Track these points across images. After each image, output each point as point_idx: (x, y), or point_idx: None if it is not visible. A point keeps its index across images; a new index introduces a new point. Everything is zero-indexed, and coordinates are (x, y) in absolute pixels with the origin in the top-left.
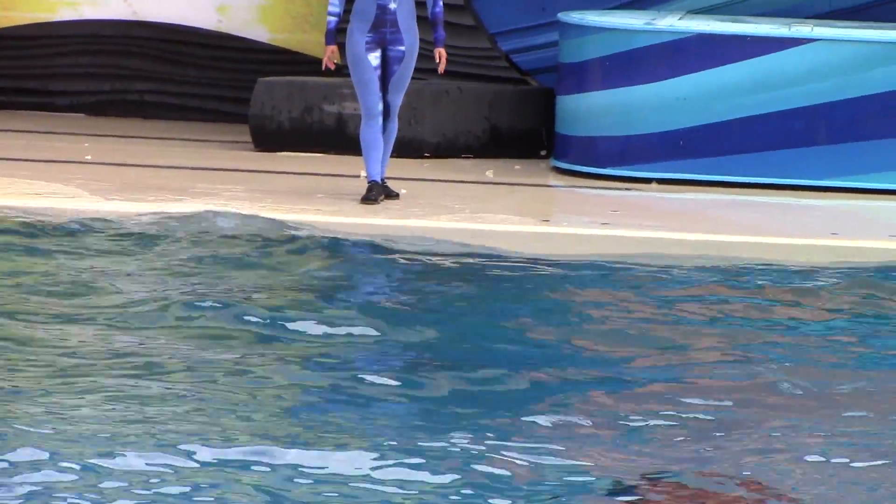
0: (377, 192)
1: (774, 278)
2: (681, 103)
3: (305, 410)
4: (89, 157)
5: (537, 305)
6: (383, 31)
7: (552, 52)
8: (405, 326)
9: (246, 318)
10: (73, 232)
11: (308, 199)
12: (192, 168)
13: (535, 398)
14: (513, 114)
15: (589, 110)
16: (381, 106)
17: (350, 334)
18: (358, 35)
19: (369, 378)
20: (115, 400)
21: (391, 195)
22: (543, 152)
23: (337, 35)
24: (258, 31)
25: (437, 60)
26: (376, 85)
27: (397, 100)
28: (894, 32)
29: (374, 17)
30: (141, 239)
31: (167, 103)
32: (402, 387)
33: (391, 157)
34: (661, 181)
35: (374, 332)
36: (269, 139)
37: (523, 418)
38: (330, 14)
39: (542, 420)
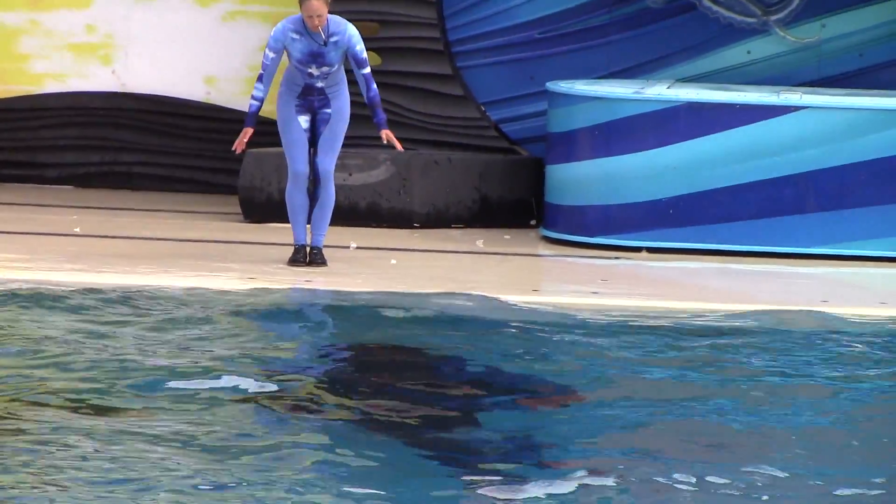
0: (302, 255)
1: (764, 344)
2: (670, 172)
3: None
4: (78, 230)
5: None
6: (311, 99)
7: (541, 121)
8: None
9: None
10: (65, 303)
11: (297, 271)
12: (182, 240)
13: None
14: (503, 183)
15: (578, 179)
16: (307, 169)
17: (347, 390)
18: (287, 97)
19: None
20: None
21: (317, 262)
22: (533, 221)
23: (255, 119)
24: (246, 103)
25: (386, 142)
26: (304, 147)
27: (328, 163)
28: (882, 100)
29: (301, 87)
30: (130, 309)
31: (156, 175)
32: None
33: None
34: (651, 249)
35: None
36: (259, 210)
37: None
38: (253, 98)
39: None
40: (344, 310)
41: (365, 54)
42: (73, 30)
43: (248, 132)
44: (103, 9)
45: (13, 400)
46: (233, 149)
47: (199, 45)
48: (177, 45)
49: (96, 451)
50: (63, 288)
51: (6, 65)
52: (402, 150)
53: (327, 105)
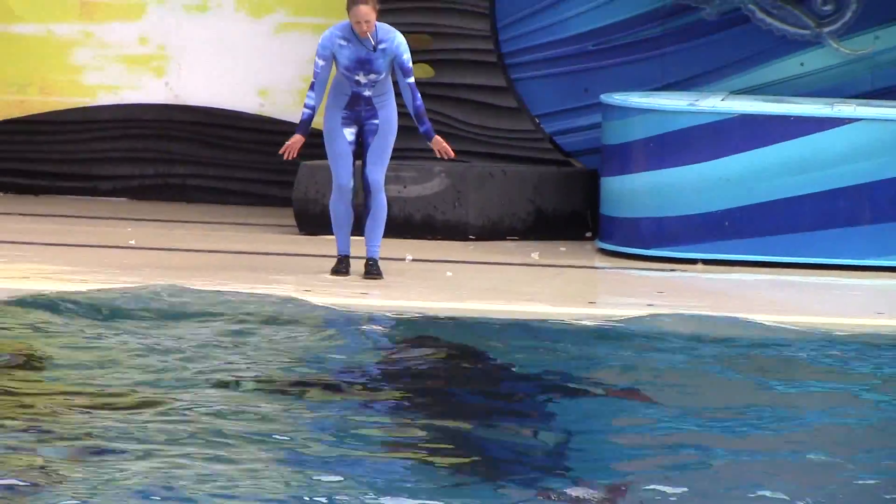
0: (344, 266)
1: (818, 356)
2: (724, 184)
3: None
4: (133, 242)
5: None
6: (358, 110)
7: (595, 133)
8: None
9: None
10: (122, 314)
11: (352, 282)
12: (237, 252)
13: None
14: (557, 196)
15: (633, 191)
16: (352, 181)
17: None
18: (334, 110)
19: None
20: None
21: (373, 273)
22: (588, 234)
23: (309, 127)
24: (299, 114)
25: (439, 154)
26: (349, 160)
27: (377, 174)
28: None
29: (349, 96)
30: (182, 319)
31: (210, 187)
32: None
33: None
34: (706, 261)
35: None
36: (313, 222)
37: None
38: (305, 106)
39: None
40: (400, 321)
41: (411, 63)
42: (126, 41)
43: (298, 140)
44: (156, 20)
45: (90, 408)
46: (280, 152)
47: (252, 57)
48: (230, 56)
49: (184, 453)
50: (117, 299)
51: (59, 77)
52: (455, 156)
53: (374, 116)
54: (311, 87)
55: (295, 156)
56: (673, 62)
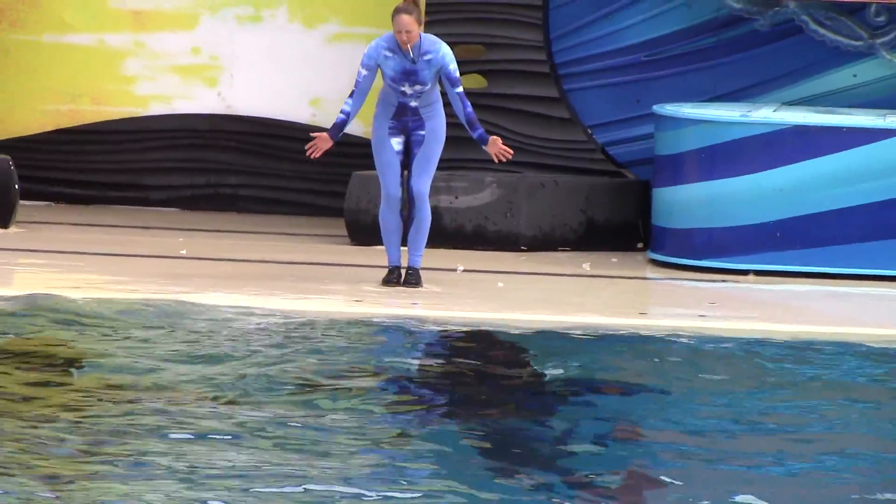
0: (395, 276)
1: (871, 369)
2: (776, 195)
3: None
4: (184, 252)
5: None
6: (405, 120)
7: (647, 144)
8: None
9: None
10: (173, 324)
11: (403, 293)
12: (287, 262)
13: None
14: (609, 206)
15: (685, 202)
16: (400, 191)
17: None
18: (381, 120)
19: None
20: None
21: (412, 283)
22: (640, 245)
23: (340, 133)
24: (352, 125)
25: (496, 159)
26: (397, 169)
27: (421, 185)
28: None
29: (395, 107)
30: (233, 331)
31: (261, 197)
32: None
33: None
34: (758, 273)
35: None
36: (365, 232)
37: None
38: (341, 112)
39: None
40: (450, 333)
41: (458, 73)
42: (178, 51)
43: (325, 139)
44: (208, 30)
45: (155, 413)
46: (306, 148)
47: (304, 67)
48: (282, 66)
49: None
50: (167, 309)
51: (111, 87)
52: (513, 154)
53: (421, 126)
54: (351, 95)
55: (319, 155)
56: (725, 73)
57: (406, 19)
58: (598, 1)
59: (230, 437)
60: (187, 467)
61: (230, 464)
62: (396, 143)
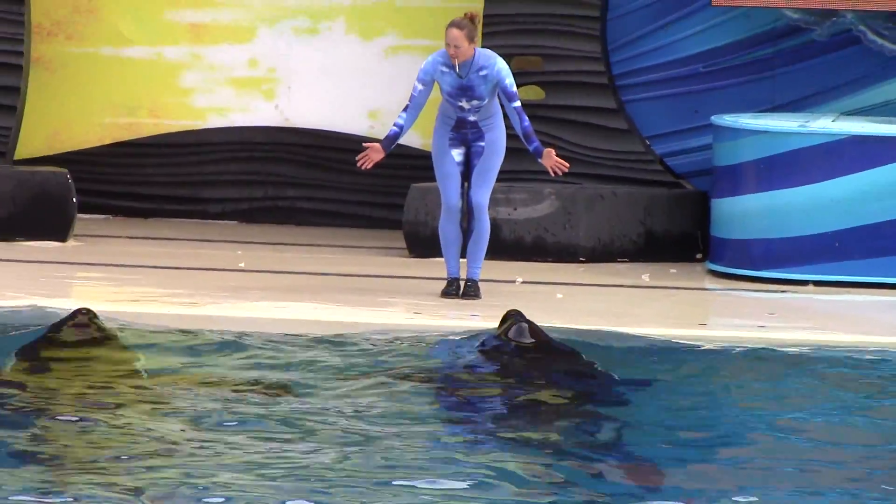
0: (454, 288)
1: None
2: (835, 205)
3: None
4: (242, 265)
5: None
6: (465, 132)
7: (706, 155)
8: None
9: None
10: (233, 338)
11: (463, 305)
12: (345, 274)
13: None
14: (668, 217)
15: (743, 213)
16: (460, 202)
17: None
18: (442, 131)
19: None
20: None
21: (471, 294)
22: (699, 255)
23: (392, 145)
24: (410, 137)
25: (552, 172)
26: (457, 180)
27: (480, 196)
28: None
29: (454, 120)
30: (291, 343)
31: (319, 210)
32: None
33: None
34: (817, 283)
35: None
36: (423, 245)
37: None
38: (394, 124)
39: None
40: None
41: (515, 87)
42: (235, 64)
43: (377, 150)
44: (266, 43)
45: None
46: (357, 159)
47: (362, 80)
48: (340, 79)
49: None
50: (224, 322)
51: (169, 99)
52: (569, 167)
53: (481, 138)
54: (405, 109)
55: (370, 166)
56: (784, 83)
57: (455, 33)
58: (655, 12)
59: (296, 444)
60: (255, 467)
61: (299, 466)
62: (457, 154)
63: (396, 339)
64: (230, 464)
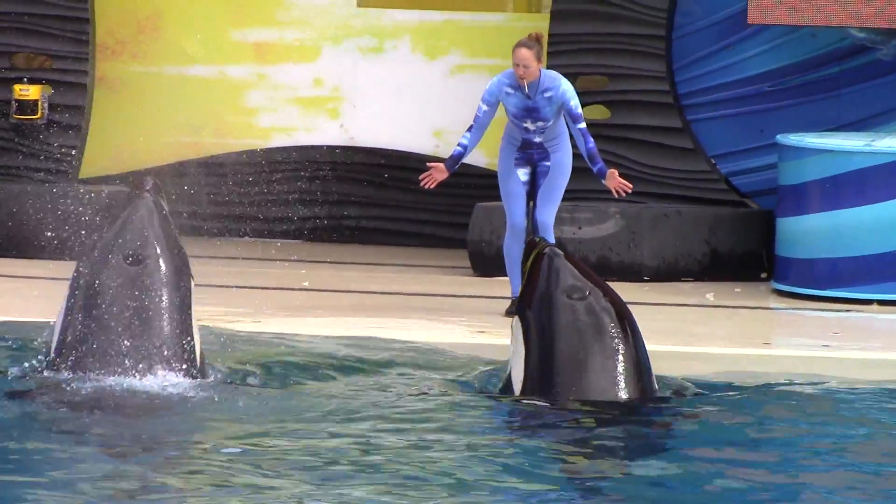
0: None
1: None
2: None
3: None
4: (307, 284)
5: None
6: (531, 152)
7: (771, 174)
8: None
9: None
10: (295, 357)
11: None
12: (410, 293)
13: None
14: (733, 236)
15: (808, 232)
16: (525, 221)
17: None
18: (508, 151)
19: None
20: None
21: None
22: (764, 275)
23: (457, 165)
24: (475, 156)
25: (616, 193)
26: (522, 200)
27: (546, 215)
28: None
29: (520, 141)
30: (357, 361)
31: (384, 229)
32: None
33: None
34: (881, 302)
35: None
36: (488, 264)
37: None
38: (458, 144)
39: None
40: None
41: (580, 109)
42: (300, 83)
43: (441, 170)
44: (330, 62)
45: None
46: (420, 178)
47: (427, 99)
48: (405, 98)
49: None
50: (292, 340)
51: (234, 119)
52: (632, 188)
53: (547, 158)
54: (469, 129)
55: (433, 186)
56: (849, 102)
57: (525, 53)
58: (720, 32)
59: (364, 463)
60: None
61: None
62: (523, 173)
63: (459, 358)
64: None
